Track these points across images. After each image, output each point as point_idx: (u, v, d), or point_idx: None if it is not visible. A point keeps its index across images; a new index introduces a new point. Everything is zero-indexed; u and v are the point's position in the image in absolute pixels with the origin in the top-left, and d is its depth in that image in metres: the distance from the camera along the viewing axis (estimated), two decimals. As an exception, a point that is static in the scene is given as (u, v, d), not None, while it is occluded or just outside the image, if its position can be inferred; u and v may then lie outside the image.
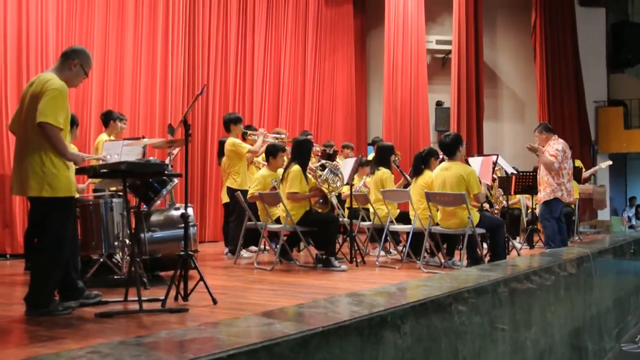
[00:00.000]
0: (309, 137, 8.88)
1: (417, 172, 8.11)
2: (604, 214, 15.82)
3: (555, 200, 8.10)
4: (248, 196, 7.83)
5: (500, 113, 16.44)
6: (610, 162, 13.19)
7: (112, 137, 7.51)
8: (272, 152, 8.05)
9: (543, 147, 8.28)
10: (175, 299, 4.82)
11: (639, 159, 18.69)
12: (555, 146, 8.18)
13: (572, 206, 10.77)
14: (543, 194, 8.22)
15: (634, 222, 17.68)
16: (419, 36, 14.96)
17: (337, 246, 8.12)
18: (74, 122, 5.70)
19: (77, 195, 5.72)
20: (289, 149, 8.31)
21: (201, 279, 4.85)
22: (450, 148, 7.46)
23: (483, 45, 15.14)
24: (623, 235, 10.62)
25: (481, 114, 14.96)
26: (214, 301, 4.72)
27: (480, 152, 13.11)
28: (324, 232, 7.39)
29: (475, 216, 7.12)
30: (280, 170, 7.90)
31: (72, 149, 5.27)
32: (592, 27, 16.73)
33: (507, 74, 16.63)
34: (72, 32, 9.01)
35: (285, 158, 8.22)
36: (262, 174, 8.05)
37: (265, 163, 8.30)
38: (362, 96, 16.04)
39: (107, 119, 7.78)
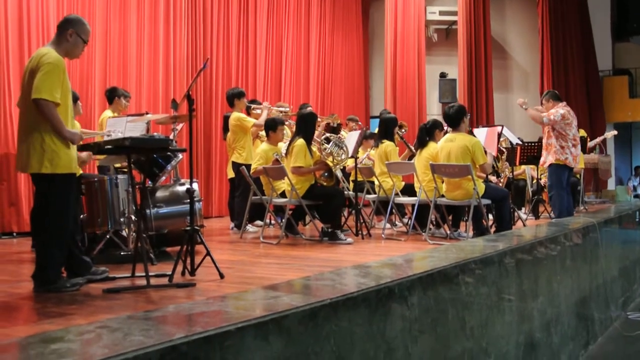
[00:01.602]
0: (309, 109, 8.86)
1: (421, 144, 8.08)
2: (609, 184, 15.80)
3: (560, 166, 8.07)
4: (251, 171, 7.82)
5: (509, 84, 16.35)
6: (616, 132, 13.15)
7: (115, 114, 7.50)
8: (272, 126, 8.04)
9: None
10: (182, 274, 4.83)
11: (644, 128, 18.64)
12: (557, 109, 8.17)
13: (577, 176, 10.75)
14: (546, 157, 8.22)
15: (639, 191, 17.65)
16: (419, 6, 14.84)
17: (343, 219, 8.13)
18: (74, 98, 5.65)
19: (79, 172, 5.73)
20: (292, 122, 8.29)
21: (208, 253, 4.85)
22: (454, 119, 7.42)
23: (490, 16, 15.03)
24: (628, 204, 10.61)
25: (490, 86, 14.90)
26: (221, 275, 4.73)
27: (490, 124, 13.07)
28: (329, 206, 7.39)
29: (481, 187, 7.11)
30: (281, 144, 7.88)
31: (76, 124, 5.24)
32: (597, -5, 16.60)
33: (514, 45, 16.50)
34: (74, 8, 8.94)
35: (287, 131, 8.20)
36: (263, 148, 8.03)
37: (270, 137, 8.29)
38: (365, 69, 15.95)
39: (112, 95, 7.76)
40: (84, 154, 6.37)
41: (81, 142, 4.86)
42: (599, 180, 14.77)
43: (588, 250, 6.14)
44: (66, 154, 4.43)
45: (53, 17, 8.57)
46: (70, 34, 4.62)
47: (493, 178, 9.32)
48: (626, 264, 7.64)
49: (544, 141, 8.36)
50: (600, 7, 16.68)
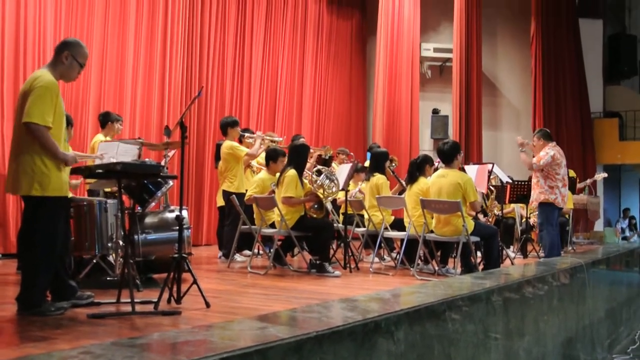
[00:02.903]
0: (302, 140, 8.89)
1: (411, 179, 8.10)
2: (597, 225, 15.86)
3: (550, 205, 8.10)
4: (246, 198, 7.83)
5: (498, 122, 16.46)
6: (605, 175, 13.22)
7: (108, 138, 7.51)
8: (273, 156, 8.05)
9: (538, 152, 8.31)
10: (168, 301, 4.80)
11: (633, 170, 18.73)
12: (547, 150, 8.20)
13: (567, 216, 10.79)
14: (535, 195, 8.25)
15: (627, 233, 17.71)
16: (414, 43, 14.99)
17: (331, 252, 8.11)
18: (68, 122, 5.64)
19: (70, 195, 5.70)
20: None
21: (195, 282, 4.83)
22: (448, 155, 7.46)
23: (482, 55, 15.19)
24: (616, 246, 10.64)
25: (480, 123, 14.99)
26: (207, 304, 4.71)
27: (479, 161, 13.13)
28: (318, 238, 7.39)
29: (470, 224, 7.12)
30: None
31: (67, 148, 5.23)
32: (590, 38, 16.79)
33: (506, 83, 16.64)
34: (71, 33, 8.99)
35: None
36: (261, 177, 8.05)
37: (261, 166, 8.29)
38: (362, 102, 15.99)
39: (105, 120, 7.78)
40: (74, 181, 6.37)
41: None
42: (587, 221, 14.84)
43: (575, 291, 6.14)
44: (57, 176, 4.42)
45: (50, 40, 8.62)
46: (66, 56, 4.62)
47: (481, 216, 9.34)
48: (613, 305, 7.64)
49: (533, 180, 8.40)
50: (592, 49, 16.87)
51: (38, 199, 4.37)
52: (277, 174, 7.92)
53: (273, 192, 7.62)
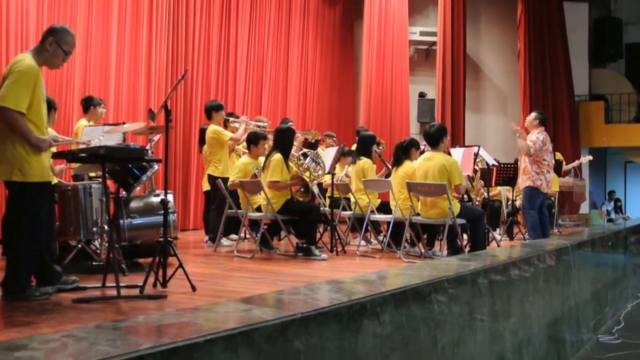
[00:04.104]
0: (290, 124, 8.86)
1: (397, 162, 8.10)
2: (583, 207, 15.95)
3: (535, 190, 8.24)
4: (229, 183, 7.80)
5: (483, 105, 16.47)
6: (591, 158, 13.29)
7: (91, 123, 7.45)
8: (254, 139, 8.02)
9: (529, 132, 8.43)
10: (154, 285, 4.79)
11: (618, 153, 18.82)
12: (537, 135, 8.31)
13: (552, 199, 10.84)
14: (522, 180, 8.38)
15: (612, 215, 17.82)
16: (402, 27, 14.95)
17: (318, 235, 8.11)
18: (51, 106, 5.58)
19: (55, 181, 5.66)
20: (270, 137, 8.28)
21: (180, 265, 4.82)
22: (435, 138, 7.47)
23: (466, 38, 15.18)
24: (602, 228, 10.69)
25: (463, 106, 15.01)
26: (193, 288, 4.70)
27: (462, 144, 13.15)
28: (304, 221, 7.38)
29: (456, 207, 7.15)
30: (261, 158, 7.87)
31: (50, 133, 5.17)
32: (575, 22, 16.80)
33: (491, 67, 16.65)
34: (55, 17, 8.88)
35: (266, 146, 8.20)
36: (243, 161, 8.01)
37: (247, 151, 8.27)
38: (350, 86, 15.92)
39: (88, 104, 7.72)
40: (59, 167, 6.32)
41: (54, 149, 4.80)
42: (573, 203, 14.91)
43: (561, 273, 6.16)
44: (38, 162, 4.37)
45: (33, 25, 8.53)
46: (50, 42, 4.55)
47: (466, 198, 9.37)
48: (598, 287, 7.68)
49: (520, 165, 8.47)
50: (578, 32, 16.88)
51: (20, 184, 4.32)
52: (260, 158, 7.89)
53: (255, 176, 7.59)
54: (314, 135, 9.72)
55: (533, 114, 8.72)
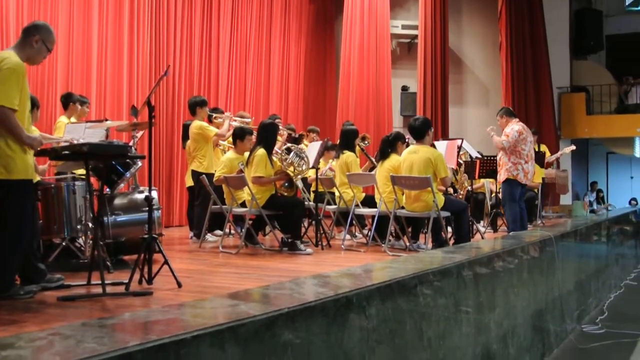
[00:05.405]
0: (276, 120, 8.85)
1: (383, 155, 8.12)
2: (566, 199, 16.05)
3: (513, 182, 8.26)
4: (214, 179, 7.78)
5: (465, 98, 16.52)
6: (574, 147, 13.35)
7: (72, 120, 7.40)
8: (240, 135, 8.00)
9: (503, 130, 8.47)
10: (140, 282, 4.78)
11: (600, 144, 18.96)
12: (512, 126, 8.35)
13: (535, 190, 10.91)
14: (500, 176, 8.43)
15: (595, 206, 17.95)
16: (383, 20, 14.95)
17: (303, 230, 8.12)
18: (34, 104, 5.54)
19: (37, 179, 5.62)
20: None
21: (165, 262, 4.81)
22: (420, 131, 7.50)
23: (448, 31, 15.21)
24: (584, 219, 10.77)
25: (446, 100, 15.05)
26: (179, 284, 4.69)
27: (445, 137, 13.19)
28: (289, 216, 7.39)
29: (440, 199, 7.17)
30: (247, 154, 7.86)
31: (34, 131, 5.15)
32: (556, 13, 16.87)
33: (473, 60, 16.70)
34: (35, 13, 8.81)
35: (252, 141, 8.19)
36: (228, 157, 8.00)
37: (231, 146, 8.25)
38: (333, 81, 15.89)
39: (67, 101, 7.67)
40: (42, 167, 6.28)
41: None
42: (556, 195, 15.00)
43: (545, 264, 6.20)
44: (22, 159, 4.35)
45: (12, 21, 8.45)
46: (36, 40, 4.56)
47: (451, 191, 9.41)
48: (582, 277, 7.74)
49: (500, 160, 8.51)
50: (559, 24, 16.95)
51: (4, 182, 4.30)
52: (245, 153, 7.88)
53: (241, 171, 7.58)
54: (291, 130, 9.74)
55: (497, 115, 8.75)
